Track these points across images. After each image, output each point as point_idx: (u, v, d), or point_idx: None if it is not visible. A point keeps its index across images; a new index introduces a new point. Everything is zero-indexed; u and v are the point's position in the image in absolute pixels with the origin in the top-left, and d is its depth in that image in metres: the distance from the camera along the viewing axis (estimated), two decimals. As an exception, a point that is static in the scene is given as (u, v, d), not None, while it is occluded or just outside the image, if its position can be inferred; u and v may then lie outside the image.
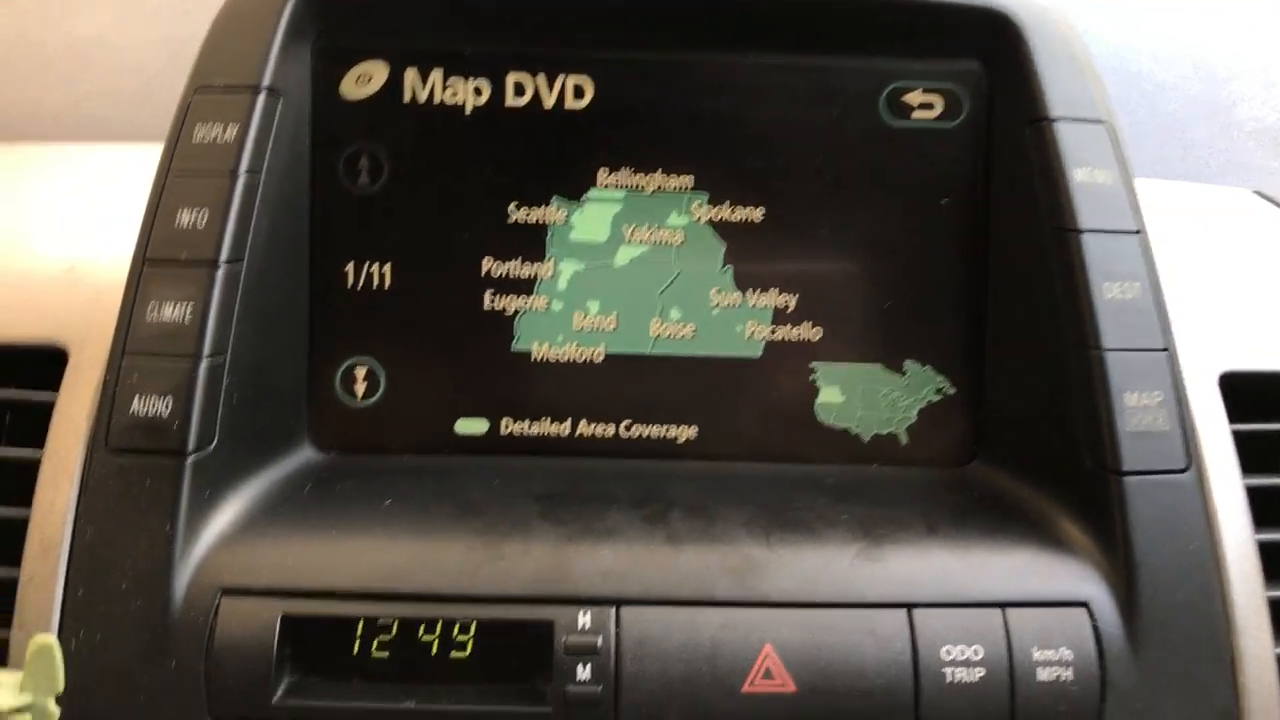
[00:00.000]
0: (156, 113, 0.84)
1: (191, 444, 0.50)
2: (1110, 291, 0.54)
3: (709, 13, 0.58)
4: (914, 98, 0.59)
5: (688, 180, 0.59)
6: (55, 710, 0.45)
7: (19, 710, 0.44)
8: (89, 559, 0.49)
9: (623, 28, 0.59)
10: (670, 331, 0.59)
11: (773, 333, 0.59)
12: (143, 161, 0.69)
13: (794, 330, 0.59)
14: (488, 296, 0.59)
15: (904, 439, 0.60)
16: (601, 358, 0.60)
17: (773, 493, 0.56)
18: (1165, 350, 0.54)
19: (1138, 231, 0.55)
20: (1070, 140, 0.56)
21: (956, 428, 0.60)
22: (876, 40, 0.59)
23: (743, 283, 0.59)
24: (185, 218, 0.52)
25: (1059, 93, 0.57)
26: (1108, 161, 0.56)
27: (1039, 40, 0.57)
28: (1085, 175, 0.55)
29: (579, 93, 0.59)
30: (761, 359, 0.60)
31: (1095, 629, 0.51)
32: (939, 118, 0.59)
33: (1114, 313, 0.54)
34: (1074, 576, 0.52)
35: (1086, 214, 0.55)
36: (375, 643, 0.50)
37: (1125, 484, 0.52)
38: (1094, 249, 0.54)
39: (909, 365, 0.59)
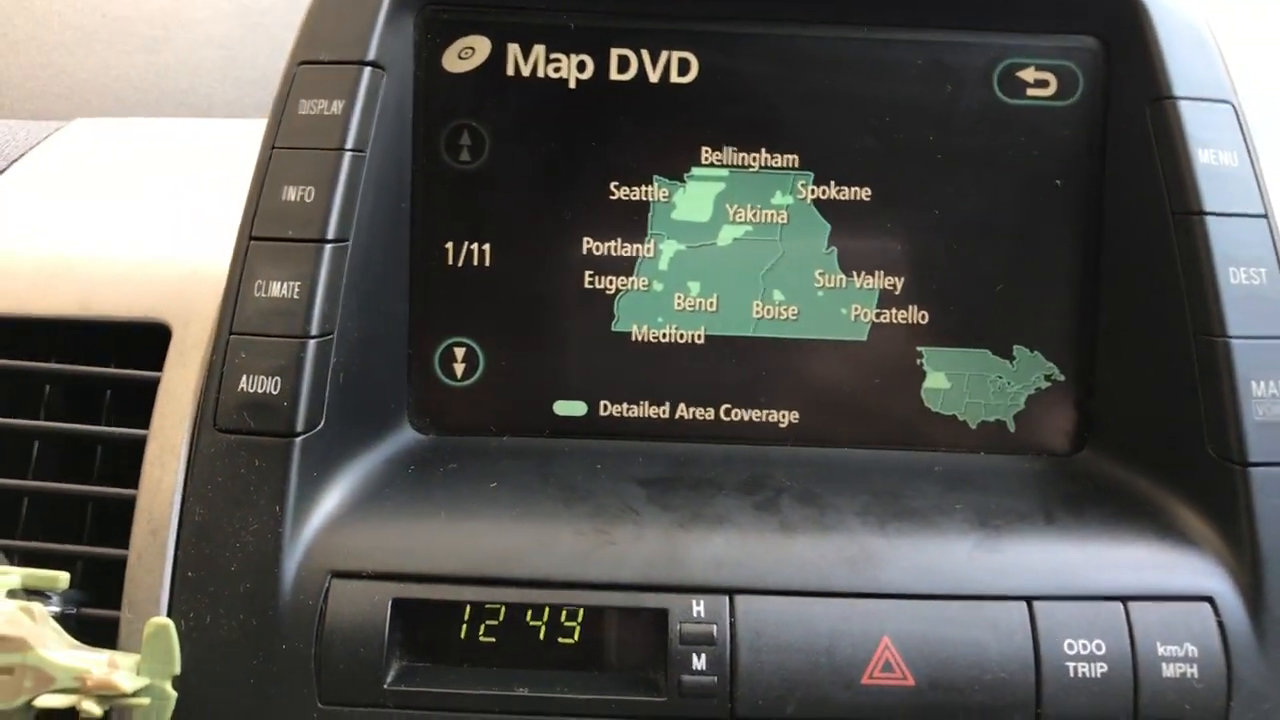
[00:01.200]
0: (237, 85, 0.84)
1: (301, 424, 0.49)
2: (1236, 277, 0.52)
3: (817, -14, 0.57)
4: (1028, 74, 0.57)
5: (793, 159, 0.58)
6: (173, 693, 0.44)
7: (139, 692, 0.43)
8: (198, 540, 0.49)
9: (729, 1, 0.57)
10: (773, 313, 0.58)
11: (878, 316, 0.58)
12: (232, 136, 0.68)
13: (900, 313, 0.58)
14: (588, 276, 0.58)
15: (1012, 426, 0.58)
16: (702, 339, 0.58)
17: (882, 480, 0.55)
18: (1293, 339, 0.52)
19: (1264, 215, 0.53)
20: (1194, 120, 0.54)
21: (1066, 415, 0.58)
22: (991, 15, 0.57)
23: (848, 264, 0.58)
24: (291, 193, 0.51)
25: (1182, 70, 0.55)
26: (1233, 142, 0.54)
27: (1161, 15, 0.55)
28: (1210, 157, 0.54)
29: (684, 68, 0.57)
30: (867, 343, 0.58)
31: (1220, 624, 0.49)
32: (1054, 96, 0.58)
33: (1240, 299, 0.52)
34: (1197, 570, 0.51)
35: (1211, 196, 0.53)
36: (483, 627, 0.49)
37: (1252, 475, 0.51)
38: (1219, 233, 0.53)
39: (1018, 350, 0.58)
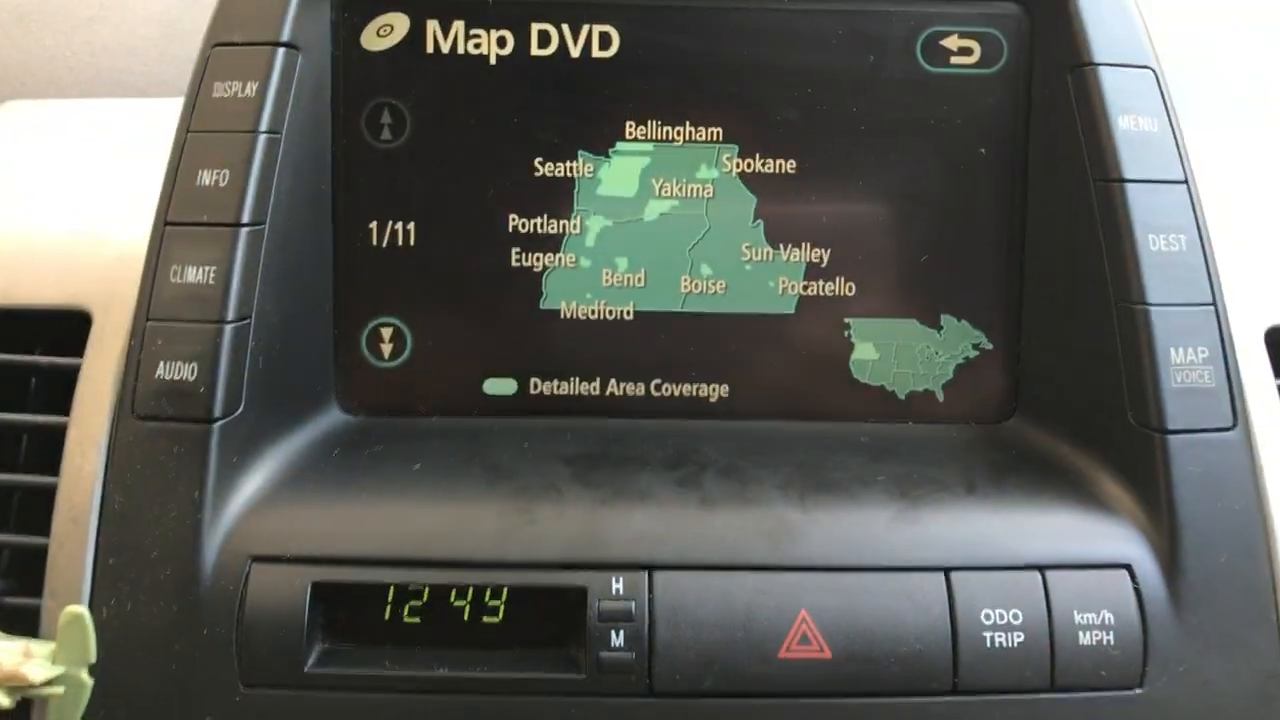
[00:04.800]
0: (175, 63, 0.83)
1: (218, 410, 0.49)
2: (1156, 244, 0.52)
3: (739, -43, 0.56)
4: (952, 42, 0.57)
5: (718, 131, 0.58)
6: (88, 681, 0.45)
7: (51, 681, 0.43)
8: (118, 527, 0.49)
9: (650, -27, 0.57)
10: (701, 288, 0.58)
11: (806, 288, 0.58)
12: (166, 116, 0.68)
13: (828, 285, 0.58)
14: (514, 253, 0.58)
15: (941, 396, 0.58)
16: (631, 315, 0.58)
17: (808, 453, 0.55)
18: (1212, 305, 0.52)
19: (1184, 181, 0.53)
20: (1114, 86, 0.54)
21: (994, 384, 0.58)
22: (913, -17, 0.57)
23: (775, 237, 0.58)
24: (206, 178, 0.51)
25: (1103, 36, 0.55)
26: (1154, 108, 0.54)
27: (1082, -19, 0.55)
28: (1130, 123, 0.54)
29: (605, 42, 0.57)
30: (795, 315, 0.58)
31: (1137, 591, 0.50)
32: (977, 64, 0.57)
33: (1159, 266, 0.52)
34: (1116, 538, 0.51)
35: (1131, 163, 0.53)
36: (406, 609, 0.49)
37: (1170, 442, 0.51)
38: (1139, 199, 0.53)
39: (945, 320, 0.58)
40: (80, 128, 0.69)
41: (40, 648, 0.44)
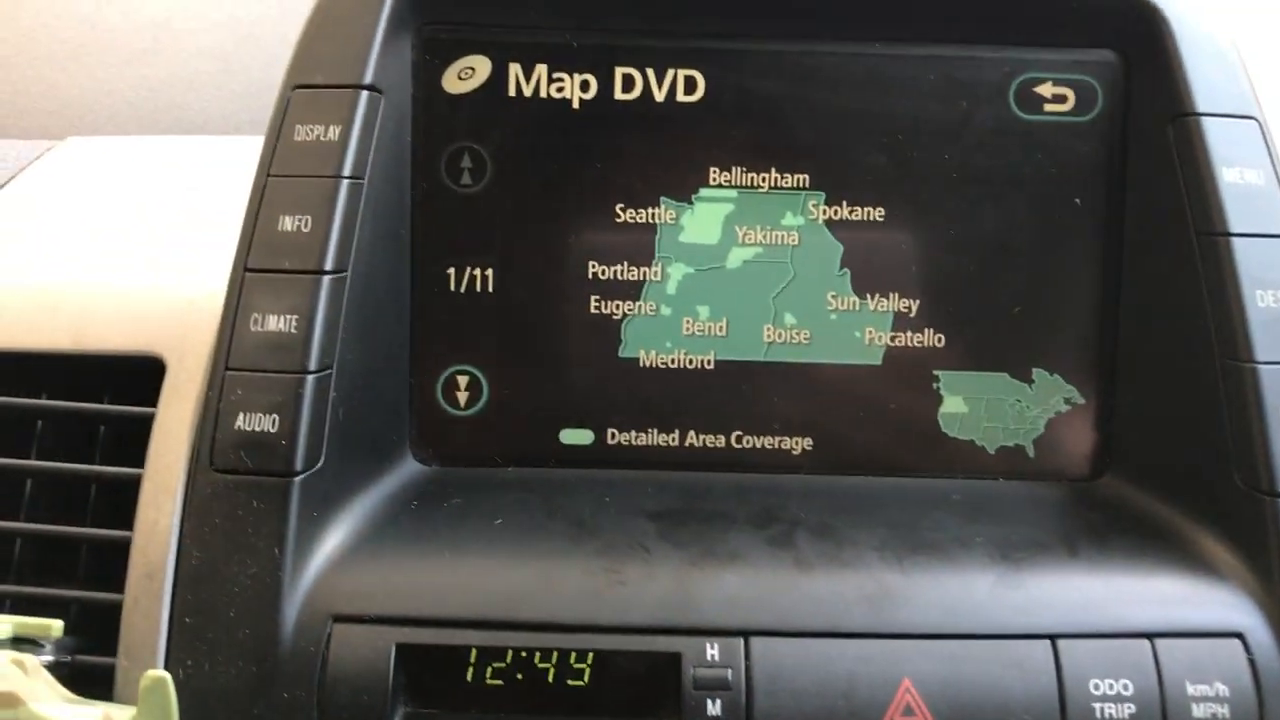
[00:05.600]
0: (233, 98, 0.82)
1: (300, 463, 0.48)
2: (1264, 299, 0.51)
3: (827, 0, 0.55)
4: (1046, 89, 0.56)
5: (804, 178, 0.56)
6: (170, 748, 0.43)
7: (134, 750, 0.42)
8: (195, 584, 0.47)
9: (735, 17, 0.56)
10: (784, 337, 0.57)
11: (893, 339, 0.57)
12: (229, 154, 0.67)
13: (915, 336, 0.57)
14: (594, 301, 0.56)
15: (1031, 451, 0.57)
16: (712, 365, 0.57)
17: (899, 511, 0.54)
18: (1323, 364, 0.50)
19: (1291, 235, 0.52)
20: (1218, 137, 0.53)
21: (1087, 440, 0.57)
22: (1007, 29, 0.56)
23: (861, 286, 0.56)
24: (288, 223, 0.50)
25: (1204, 85, 0.53)
26: (1259, 160, 0.53)
27: (1183, 29, 0.54)
28: (1235, 175, 0.52)
29: (690, 86, 0.56)
30: (881, 366, 0.57)
31: (1251, 661, 0.48)
32: (1072, 111, 0.56)
33: (1268, 322, 0.51)
34: (1226, 604, 0.49)
35: (1237, 217, 0.52)
36: (489, 670, 0.48)
37: (1281, 506, 0.49)
38: (1245, 254, 0.51)
39: (1037, 374, 0.56)
40: (141, 165, 0.67)
41: (120, 713, 0.43)
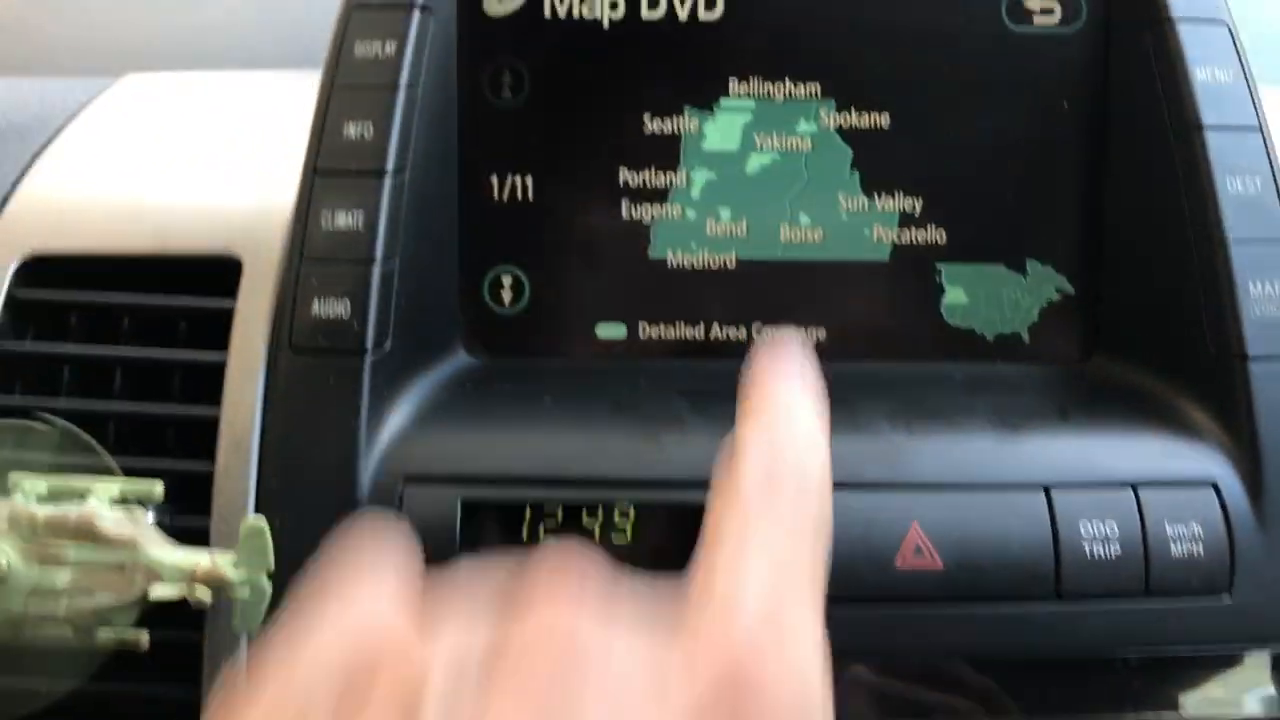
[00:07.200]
0: (277, 40, 0.87)
1: (370, 343, 0.53)
2: (1234, 185, 0.56)
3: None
4: (1034, 3, 0.61)
5: (816, 88, 0.61)
6: (268, 586, 0.48)
7: (239, 584, 0.47)
8: (279, 452, 0.53)
9: (751, -59, 0.61)
10: (800, 237, 0.62)
11: (899, 236, 0.62)
12: (281, 86, 0.72)
13: (920, 233, 0.62)
14: (625, 205, 0.62)
15: (1026, 338, 0.62)
16: (733, 264, 0.62)
17: (906, 390, 0.59)
18: (1288, 242, 0.56)
19: (1259, 128, 0.57)
20: (1191, 41, 0.58)
21: (1076, 325, 0.62)
22: (998, -52, 0.61)
23: (870, 188, 0.62)
24: (352, 130, 0.55)
25: (1179, -6, 0.58)
26: (1229, 61, 0.58)
27: (1158, -58, 0.59)
28: (1207, 74, 0.57)
29: (710, 3, 0.61)
30: (888, 262, 0.62)
31: (1223, 506, 0.53)
32: (1059, 23, 0.61)
33: (1237, 205, 0.56)
34: (1202, 458, 0.55)
35: (1209, 111, 0.57)
36: (542, 529, 0.53)
37: (1251, 369, 0.54)
38: (1217, 145, 0.56)
39: (1030, 265, 0.62)
40: (200, 96, 0.73)
41: (222, 556, 0.48)
